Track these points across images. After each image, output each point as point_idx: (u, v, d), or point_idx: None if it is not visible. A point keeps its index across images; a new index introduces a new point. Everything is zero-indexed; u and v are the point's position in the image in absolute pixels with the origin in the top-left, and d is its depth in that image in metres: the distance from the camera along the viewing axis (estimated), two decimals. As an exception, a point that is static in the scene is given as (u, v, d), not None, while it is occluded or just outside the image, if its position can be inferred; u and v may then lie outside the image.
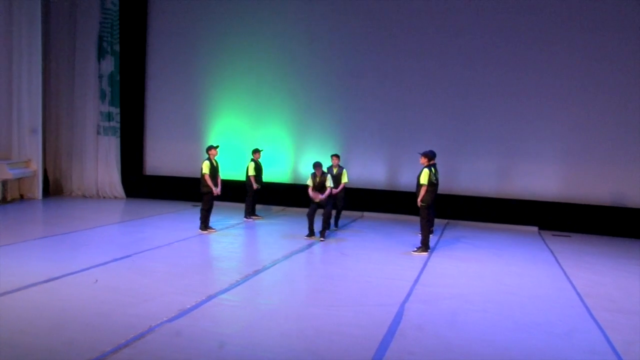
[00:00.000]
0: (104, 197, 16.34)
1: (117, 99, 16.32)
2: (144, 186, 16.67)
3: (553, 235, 13.18)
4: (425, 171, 10.09)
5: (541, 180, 13.96)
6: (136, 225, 12.20)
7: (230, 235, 11.32)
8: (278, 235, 11.47)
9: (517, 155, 14.16)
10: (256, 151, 13.39)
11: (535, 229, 13.78)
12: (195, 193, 12.16)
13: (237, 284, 7.64)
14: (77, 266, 8.05)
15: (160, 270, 8.15)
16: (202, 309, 6.53)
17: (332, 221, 11.82)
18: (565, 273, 9.31)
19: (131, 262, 8.59)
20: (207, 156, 11.40)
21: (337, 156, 12.58)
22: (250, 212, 13.35)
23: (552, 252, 11.16)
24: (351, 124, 15.22)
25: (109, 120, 16.28)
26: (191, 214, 13.39)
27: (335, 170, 12.25)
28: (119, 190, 16.48)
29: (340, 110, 15.29)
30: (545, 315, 7.12)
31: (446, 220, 14.19)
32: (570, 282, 8.73)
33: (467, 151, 14.43)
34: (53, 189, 16.68)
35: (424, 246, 10.26)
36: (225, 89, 16.13)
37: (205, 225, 11.37)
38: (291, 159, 15.56)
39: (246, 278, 7.95)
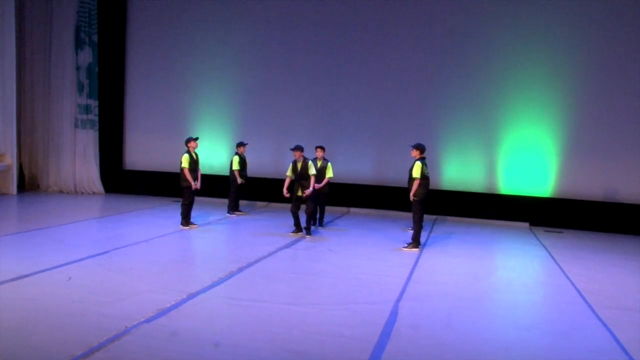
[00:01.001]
0: (82, 193, 15.77)
1: (95, 91, 15.76)
2: (124, 181, 16.13)
3: (545, 231, 12.90)
4: (418, 164, 9.71)
5: (532, 174, 13.68)
6: (114, 221, 11.70)
7: (213, 231, 10.86)
8: (262, 231, 11.03)
9: (507, 150, 13.86)
10: (240, 145, 12.93)
11: (527, 225, 13.49)
12: (177, 189, 11.65)
13: (220, 281, 7.20)
14: (49, 263, 7.55)
15: (138, 268, 7.68)
16: (181, 308, 6.07)
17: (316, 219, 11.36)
18: (561, 268, 9.00)
19: (108, 259, 8.11)
20: (186, 149, 10.88)
21: (321, 148, 11.79)
22: (233, 208, 12.89)
23: (545, 247, 10.86)
24: (336, 115, 14.82)
25: (87, 113, 15.71)
26: (172, 210, 12.90)
27: (319, 164, 11.62)
28: (97, 185, 15.93)
29: (326, 101, 14.88)
30: (545, 313, 6.79)
31: (434, 216, 13.86)
32: (568, 277, 8.41)
33: (454, 144, 14.11)
34: (29, 184, 16.09)
35: (415, 242, 9.88)
36: (208, 81, 15.64)
37: (186, 220, 10.90)
38: (275, 152, 15.10)
39: (229, 275, 7.50)
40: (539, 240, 11.64)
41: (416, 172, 9.66)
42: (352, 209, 14.55)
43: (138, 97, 16.16)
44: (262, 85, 15.26)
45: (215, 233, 10.74)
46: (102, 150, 16.00)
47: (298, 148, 10.46)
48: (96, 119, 15.83)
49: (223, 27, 15.40)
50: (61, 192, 15.74)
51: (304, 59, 14.94)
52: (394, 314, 6.24)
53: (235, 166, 12.67)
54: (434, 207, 13.45)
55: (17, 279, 6.80)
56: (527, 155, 13.70)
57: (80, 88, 15.59)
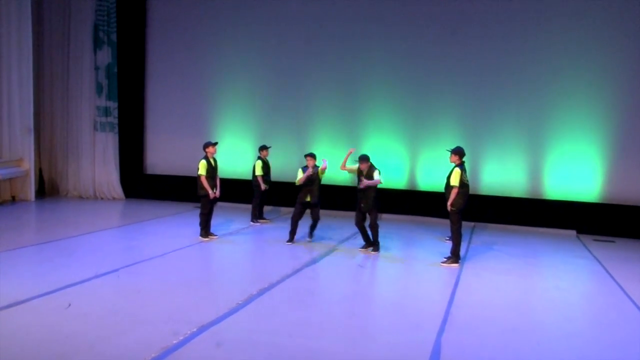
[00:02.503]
0: (102, 198, 15.18)
1: (114, 93, 15.12)
2: (144, 186, 15.47)
3: (594, 240, 11.82)
4: (457, 171, 8.76)
5: (579, 178, 12.60)
6: (131, 231, 11.03)
7: (233, 243, 10.06)
8: (286, 241, 10.17)
9: (551, 151, 12.80)
10: (263, 148, 12.13)
11: (573, 232, 12.43)
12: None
13: (238, 307, 6.39)
14: (51, 284, 6.84)
15: (147, 289, 6.93)
16: (189, 346, 5.27)
17: (307, 231, 10.34)
18: (622, 288, 7.97)
19: (115, 279, 7.39)
20: (204, 154, 10.11)
21: (312, 156, 10.15)
22: (257, 216, 12.11)
23: (598, 260, 9.83)
24: (366, 116, 13.93)
25: (106, 116, 15.09)
26: (193, 217, 12.10)
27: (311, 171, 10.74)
28: (117, 190, 15.31)
29: (354, 101, 14.01)
30: (615, 347, 5.81)
31: (473, 223, 12.88)
32: (631, 299, 7.39)
33: (493, 147, 13.11)
34: (49, 190, 15.58)
35: (455, 256, 8.95)
36: (231, 81, 14.88)
37: (205, 231, 10.14)
38: (300, 154, 14.21)
39: (248, 300, 6.69)
40: (589, 252, 10.59)
41: (455, 180, 8.73)
42: (384, 215, 13.63)
43: (159, 99, 15.49)
44: (288, 85, 14.44)
45: (236, 245, 9.94)
46: (122, 154, 15.37)
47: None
48: (116, 121, 15.20)
49: (247, 25, 14.61)
50: (81, 197, 15.18)
51: (332, 58, 14.07)
52: (436, 352, 5.35)
53: (259, 171, 11.88)
54: (472, 213, 12.39)
55: (10, 306, 6.08)
56: (573, 157, 12.62)
57: (99, 89, 14.99)
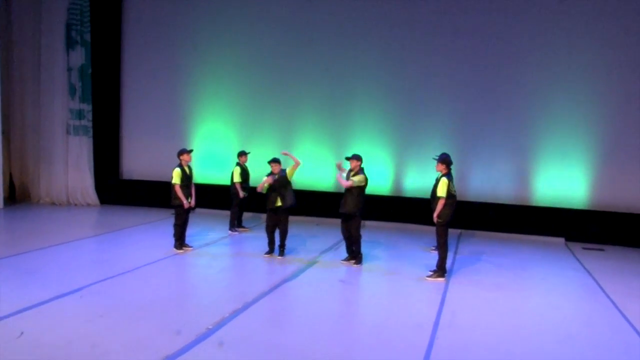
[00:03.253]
0: (76, 205, 14.61)
1: (88, 95, 14.54)
2: (120, 192, 14.91)
3: (583, 248, 11.48)
4: (444, 181, 8.32)
5: (567, 184, 12.25)
6: (103, 242, 10.50)
7: (209, 256, 9.52)
8: (265, 253, 9.69)
9: (540, 156, 12.44)
10: (242, 154, 11.62)
11: (562, 240, 12.08)
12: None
13: (208, 333, 5.91)
14: (4, 309, 6.30)
15: (110, 314, 6.39)
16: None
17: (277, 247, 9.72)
18: (615, 305, 7.60)
19: (78, 300, 6.87)
20: (178, 162, 9.56)
21: (276, 161, 9.56)
22: (235, 225, 11.63)
23: (588, 272, 9.46)
24: (350, 119, 13.49)
25: (80, 119, 14.51)
26: (169, 225, 11.47)
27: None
28: (92, 196, 14.74)
29: (338, 104, 13.56)
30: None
31: (459, 231, 12.50)
32: (627, 319, 7.01)
33: (481, 151, 12.73)
34: (20, 196, 14.97)
35: (441, 270, 8.51)
36: (210, 83, 14.36)
37: (180, 242, 9.64)
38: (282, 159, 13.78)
39: (220, 323, 6.20)
40: (579, 262, 10.22)
41: (442, 191, 8.29)
42: (367, 222, 13.20)
43: (135, 101, 14.92)
44: (270, 88, 13.95)
45: (211, 259, 9.40)
46: (96, 159, 14.78)
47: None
48: (90, 124, 14.62)
49: (226, 25, 14.10)
50: (53, 204, 14.59)
51: (315, 57, 13.61)
52: (421, 386, 4.92)
53: (237, 178, 11.39)
54: (459, 220, 12.00)
55: (-43, 334, 5.57)
56: (562, 162, 12.27)
57: (72, 91, 14.39)
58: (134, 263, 8.67)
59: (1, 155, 13.51)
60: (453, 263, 9.61)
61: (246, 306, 6.86)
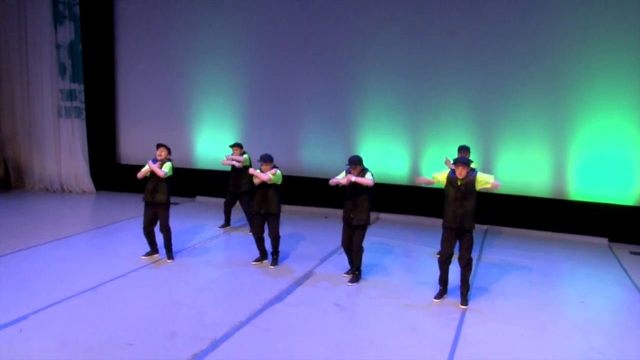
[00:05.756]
0: (70, 192, 13.64)
1: (80, 74, 13.40)
2: (117, 177, 13.84)
3: (631, 252, 9.94)
4: (480, 174, 7.00)
5: (612, 178, 10.65)
6: (82, 241, 9.42)
7: (193, 267, 8.24)
8: (253, 262, 8.43)
9: (580, 144, 10.85)
10: (236, 146, 10.15)
11: (605, 241, 10.54)
12: (179, 186, 9.93)
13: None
14: None
15: (44, 355, 5.24)
16: None
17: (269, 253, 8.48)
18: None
19: (16, 333, 5.74)
20: (169, 157, 8.62)
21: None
22: (229, 221, 10.48)
23: (638, 288, 7.96)
24: (363, 105, 12.07)
25: (72, 100, 13.41)
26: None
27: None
28: (87, 183, 13.74)
29: (347, 88, 12.14)
30: None
31: (485, 227, 11.08)
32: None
33: (511, 138, 11.19)
34: (15, 182, 14.10)
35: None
36: (211, 61, 13.06)
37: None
38: (286, 146, 12.47)
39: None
40: (626, 272, 8.71)
41: (488, 178, 6.97)
42: (382, 215, 11.90)
43: (131, 80, 13.72)
44: (271, 69, 12.62)
45: (196, 270, 8.16)
46: (91, 143, 13.73)
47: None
48: (82, 106, 13.52)
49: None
50: (47, 190, 13.65)
51: (319, 37, 12.18)
52: None
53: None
54: (485, 214, 10.57)
55: None
56: (606, 152, 10.65)
57: (62, 70, 13.26)
58: (103, 275, 7.52)
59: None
60: (476, 273, 8.21)
61: (225, 337, 5.67)
